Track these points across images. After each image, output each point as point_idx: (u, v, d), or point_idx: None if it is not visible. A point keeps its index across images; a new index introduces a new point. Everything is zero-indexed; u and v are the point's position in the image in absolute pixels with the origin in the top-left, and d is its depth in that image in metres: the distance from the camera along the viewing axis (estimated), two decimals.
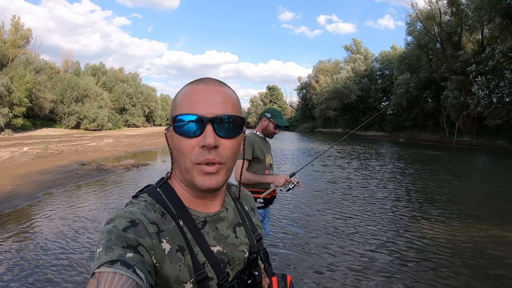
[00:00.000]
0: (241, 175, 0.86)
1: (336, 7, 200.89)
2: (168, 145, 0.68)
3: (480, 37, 27.83)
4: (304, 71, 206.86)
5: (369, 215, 5.73)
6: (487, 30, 26.67)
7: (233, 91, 0.68)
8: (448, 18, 30.30)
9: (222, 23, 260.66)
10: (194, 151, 0.60)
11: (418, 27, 33.76)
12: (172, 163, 0.69)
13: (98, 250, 0.53)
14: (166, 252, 0.60)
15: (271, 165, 2.72)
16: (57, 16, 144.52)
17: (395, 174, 10.63)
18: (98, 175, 9.25)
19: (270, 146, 2.82)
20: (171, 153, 0.67)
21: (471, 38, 29.56)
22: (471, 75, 25.15)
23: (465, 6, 27.14)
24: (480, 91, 24.66)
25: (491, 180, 10.35)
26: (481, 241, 4.49)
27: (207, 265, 0.64)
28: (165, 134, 0.68)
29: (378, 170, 11.45)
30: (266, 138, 2.76)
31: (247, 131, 1.93)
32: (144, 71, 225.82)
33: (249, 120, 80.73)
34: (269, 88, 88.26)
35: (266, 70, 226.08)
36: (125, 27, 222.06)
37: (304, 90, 67.88)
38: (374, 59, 50.67)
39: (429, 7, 31.11)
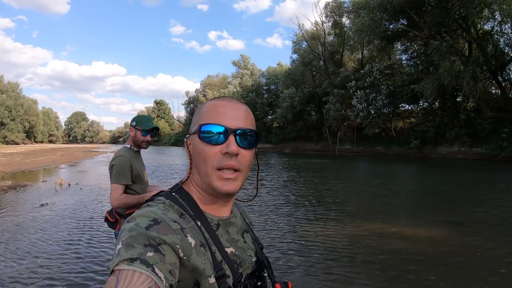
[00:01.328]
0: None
1: (227, 24, 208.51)
2: (188, 152, 0.72)
3: (360, 56, 31.99)
4: (192, 86, 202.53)
5: (265, 220, 5.91)
6: (366, 50, 30.78)
7: (251, 111, 0.75)
8: (332, 38, 33.98)
9: (111, 33, 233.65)
10: (217, 157, 0.66)
11: (303, 46, 36.78)
12: (190, 169, 0.72)
13: (118, 247, 0.53)
14: (193, 245, 0.61)
15: (147, 181, 2.52)
16: None
17: (286, 182, 11.14)
18: None
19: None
20: (190, 160, 0.72)
21: (352, 57, 33.81)
22: (351, 90, 28.06)
23: (347, 28, 30.78)
24: (359, 104, 27.71)
25: (371, 182, 11.56)
26: (366, 233, 4.98)
27: (224, 264, 0.66)
28: (186, 142, 0.73)
29: (269, 180, 11.67)
30: (141, 150, 2.48)
31: (120, 147, 2.53)
32: (25, 81, 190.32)
33: None
34: (156, 103, 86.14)
35: (154, 84, 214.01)
36: (9, 30, 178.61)
37: (191, 105, 66.49)
38: (261, 74, 53.09)
39: (314, 28, 34.16)
